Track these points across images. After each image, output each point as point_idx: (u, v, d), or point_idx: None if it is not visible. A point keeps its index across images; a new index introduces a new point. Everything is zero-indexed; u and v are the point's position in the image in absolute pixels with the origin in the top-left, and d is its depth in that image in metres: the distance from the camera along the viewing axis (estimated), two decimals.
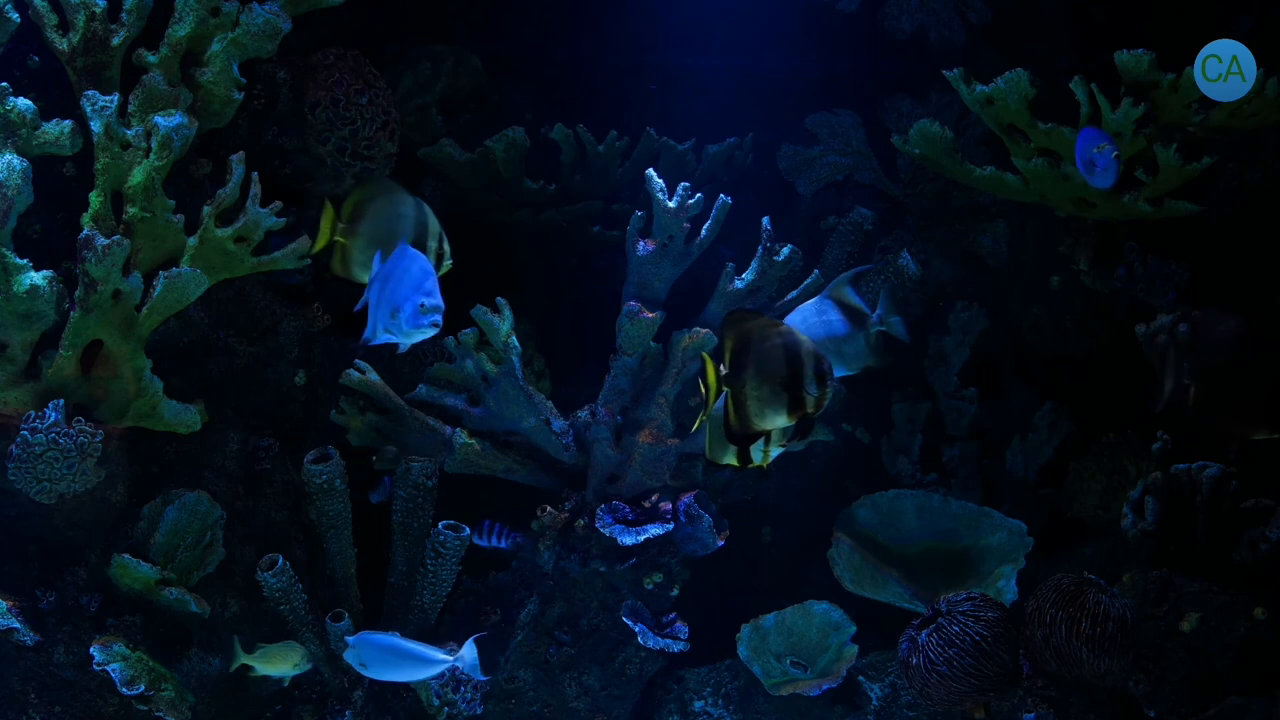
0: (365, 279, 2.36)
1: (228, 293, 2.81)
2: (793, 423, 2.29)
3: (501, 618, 3.04)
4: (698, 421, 2.46)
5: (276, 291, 2.95)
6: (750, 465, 2.46)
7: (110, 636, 2.56)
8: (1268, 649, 2.54)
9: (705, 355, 2.32)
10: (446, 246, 2.36)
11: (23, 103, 2.42)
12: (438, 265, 2.34)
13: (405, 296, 2.22)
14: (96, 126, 2.39)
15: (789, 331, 2.27)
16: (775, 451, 2.44)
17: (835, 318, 2.52)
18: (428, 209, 2.34)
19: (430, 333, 2.25)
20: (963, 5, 3.42)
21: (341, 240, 2.33)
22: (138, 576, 2.57)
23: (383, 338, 2.28)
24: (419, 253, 2.28)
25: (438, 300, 2.22)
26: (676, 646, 2.94)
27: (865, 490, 3.30)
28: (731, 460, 2.48)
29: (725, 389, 2.27)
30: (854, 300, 2.55)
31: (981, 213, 3.43)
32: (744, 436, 2.35)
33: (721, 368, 2.26)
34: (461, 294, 2.87)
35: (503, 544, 2.97)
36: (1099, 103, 2.64)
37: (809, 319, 2.51)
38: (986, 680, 2.53)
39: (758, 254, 2.88)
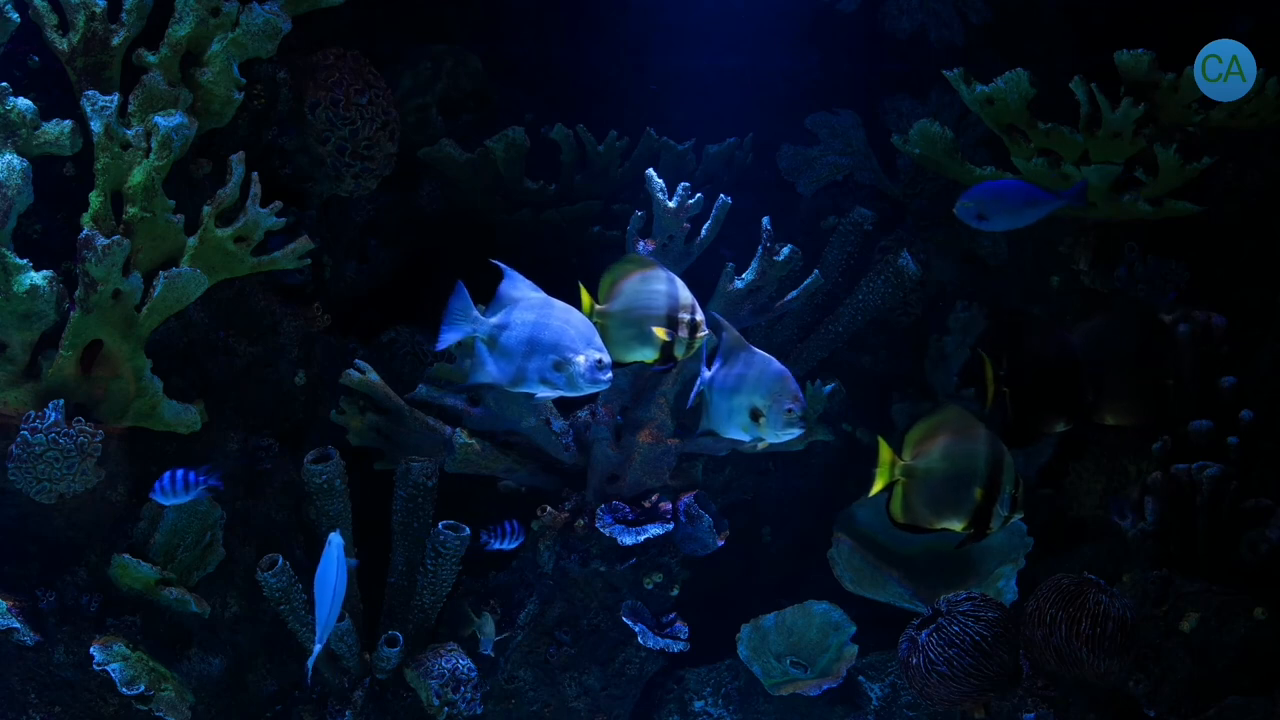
0: (625, 358, 2.33)
1: (228, 293, 2.81)
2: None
3: (501, 618, 3.04)
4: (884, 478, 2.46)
5: (276, 291, 2.95)
6: (987, 533, 2.41)
7: (110, 636, 2.56)
8: (1268, 649, 2.54)
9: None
10: (699, 316, 2.33)
11: (23, 103, 2.42)
12: (692, 339, 2.32)
13: (578, 349, 2.18)
14: (96, 126, 2.39)
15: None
16: (1017, 516, 2.40)
17: None
18: (679, 282, 2.33)
19: (603, 388, 2.22)
20: (963, 5, 3.42)
21: (599, 321, 2.30)
22: (138, 576, 2.57)
23: (540, 390, 2.23)
24: (562, 302, 2.24)
25: (609, 356, 2.21)
26: (676, 646, 2.94)
27: (865, 490, 3.29)
28: (951, 526, 2.41)
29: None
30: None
31: None
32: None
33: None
34: None
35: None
36: (1099, 103, 2.64)
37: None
38: (986, 680, 2.53)
39: (758, 254, 2.88)
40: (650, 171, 2.78)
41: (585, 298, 2.32)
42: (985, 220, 2.66)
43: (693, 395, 2.41)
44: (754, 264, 2.88)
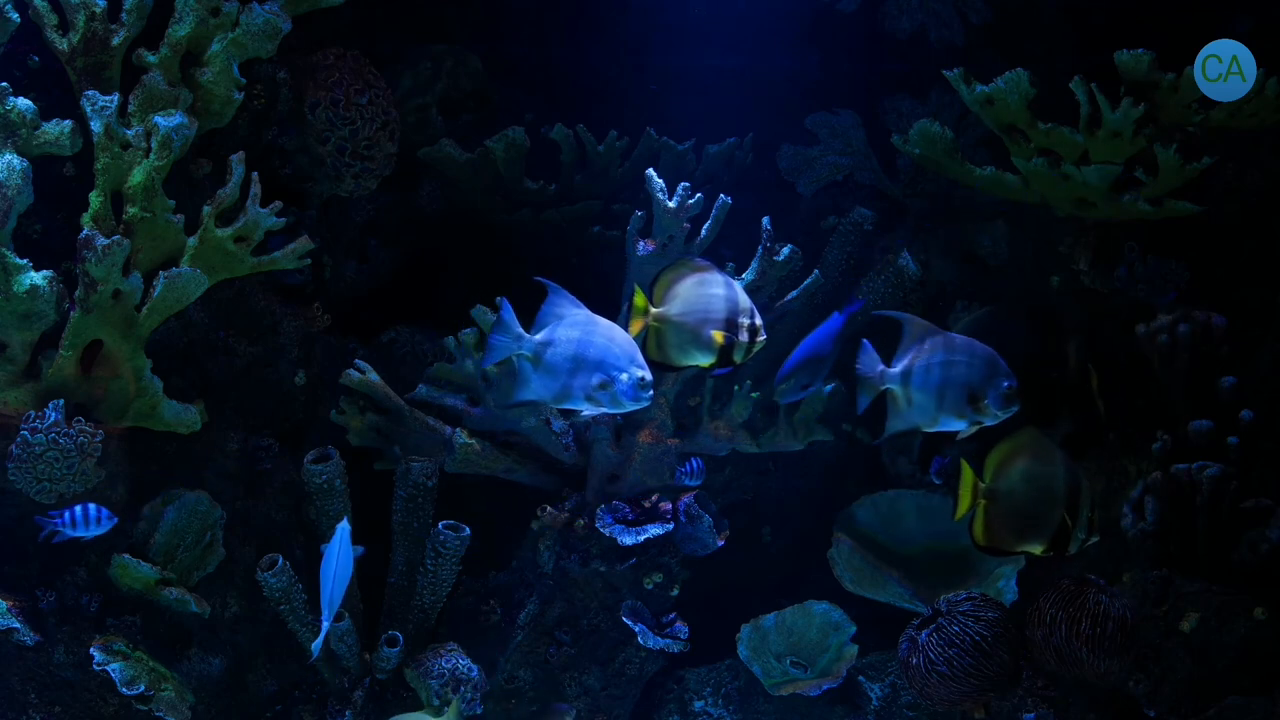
0: (681, 362, 2.33)
1: (228, 293, 2.81)
2: None
3: (502, 617, 3.04)
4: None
5: (276, 291, 2.95)
6: (1065, 555, 2.42)
7: (110, 636, 2.56)
8: (1268, 649, 2.54)
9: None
10: (759, 320, 2.32)
11: (23, 103, 2.42)
12: (751, 342, 2.31)
13: (621, 368, 2.19)
14: (96, 126, 2.39)
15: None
16: (1093, 539, 2.41)
17: None
18: (736, 285, 2.32)
19: (645, 405, 2.23)
20: (963, 5, 3.42)
21: (655, 325, 2.30)
22: (138, 576, 2.57)
23: (585, 407, 2.24)
24: (603, 318, 2.24)
25: (650, 375, 2.22)
26: (676, 647, 2.94)
27: (865, 490, 3.30)
28: (1032, 549, 2.40)
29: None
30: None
31: (981, 213, 3.43)
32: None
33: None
34: (462, 294, 2.88)
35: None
36: (1099, 103, 2.64)
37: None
38: (986, 680, 2.53)
39: (758, 254, 2.88)
40: (650, 171, 2.78)
41: (640, 299, 2.31)
42: (811, 385, 2.75)
43: (865, 399, 2.34)
44: (754, 264, 2.88)
